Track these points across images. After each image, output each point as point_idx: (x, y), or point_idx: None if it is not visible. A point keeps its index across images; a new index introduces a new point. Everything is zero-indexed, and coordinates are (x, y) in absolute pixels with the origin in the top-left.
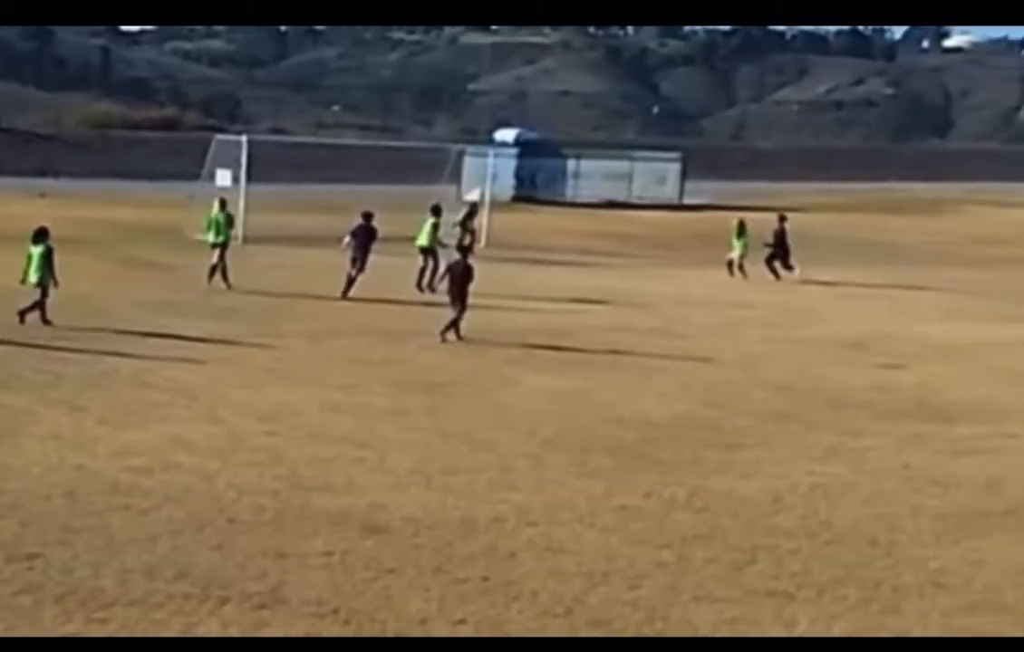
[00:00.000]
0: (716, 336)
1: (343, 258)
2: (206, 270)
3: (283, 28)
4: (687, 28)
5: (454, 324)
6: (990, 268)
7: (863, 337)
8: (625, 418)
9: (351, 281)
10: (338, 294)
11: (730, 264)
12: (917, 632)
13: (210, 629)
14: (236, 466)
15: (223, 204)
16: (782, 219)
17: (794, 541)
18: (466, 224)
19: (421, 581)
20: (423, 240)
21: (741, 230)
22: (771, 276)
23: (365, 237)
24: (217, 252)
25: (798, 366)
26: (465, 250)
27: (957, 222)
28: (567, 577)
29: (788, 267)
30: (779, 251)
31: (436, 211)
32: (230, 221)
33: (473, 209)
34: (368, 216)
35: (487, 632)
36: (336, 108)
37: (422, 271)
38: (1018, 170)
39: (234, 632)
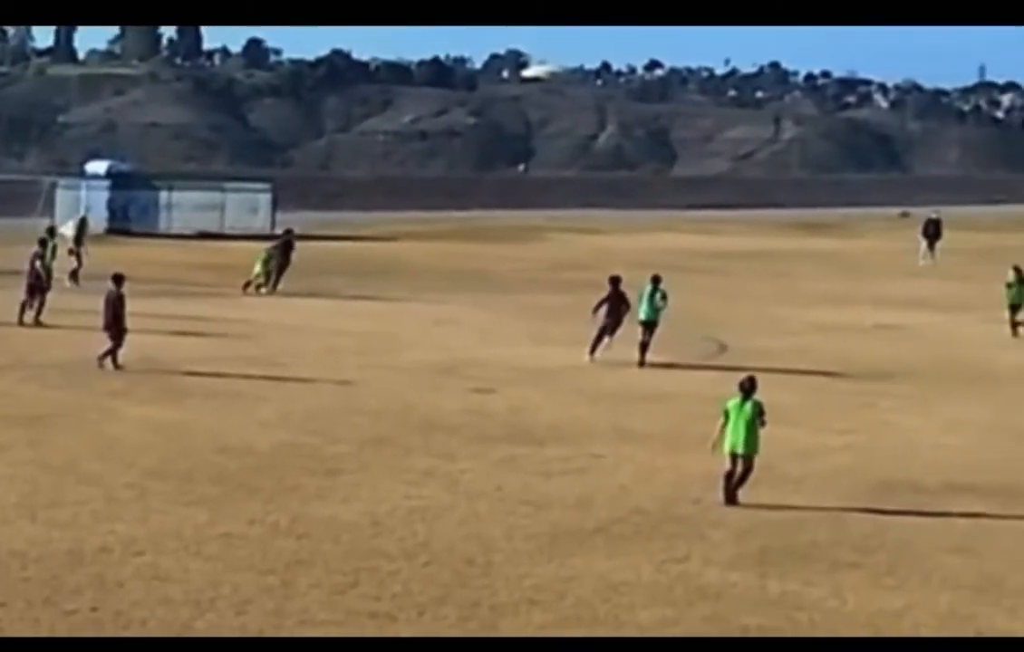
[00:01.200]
0: (314, 364)
1: None
2: None
3: None
4: (273, 58)
5: (112, 352)
6: (572, 293)
7: (455, 362)
8: (227, 447)
9: (24, 307)
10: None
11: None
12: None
13: None
14: None
15: None
16: (288, 232)
17: (394, 563)
18: (79, 244)
19: (31, 613)
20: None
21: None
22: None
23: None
24: None
25: (393, 391)
26: (120, 278)
27: (540, 249)
28: (175, 605)
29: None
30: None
31: (52, 233)
32: None
33: (82, 227)
34: (43, 242)
35: None
36: None
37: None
38: (596, 197)
39: None
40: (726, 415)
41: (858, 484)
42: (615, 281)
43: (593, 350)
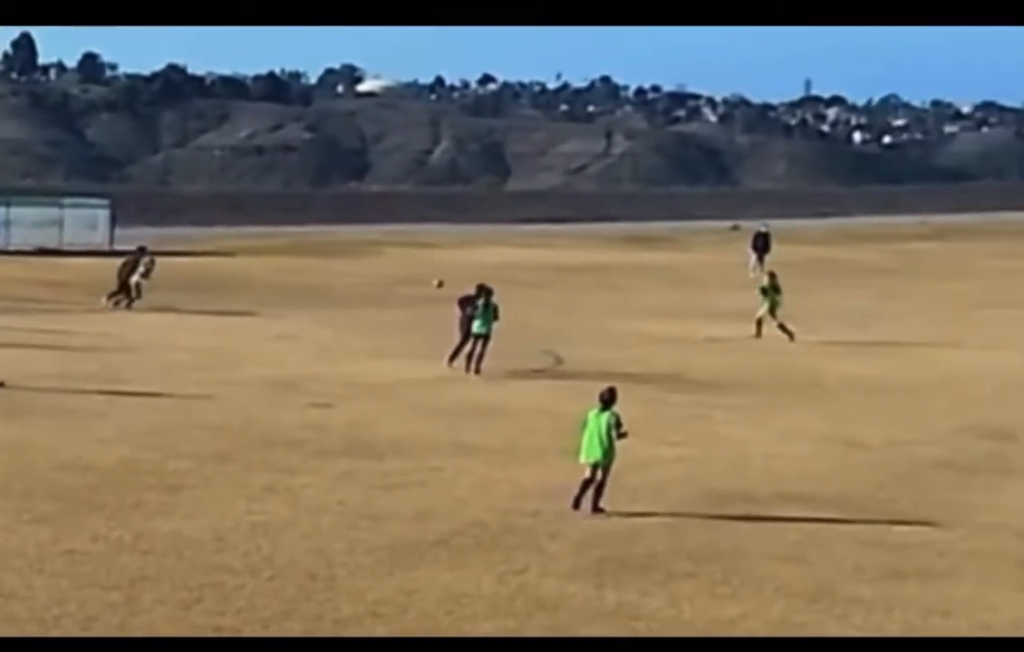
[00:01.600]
0: (154, 379)
1: None
2: None
3: None
4: (108, 73)
5: None
6: (410, 307)
7: (293, 378)
8: (68, 464)
9: None
10: None
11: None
12: None
13: None
14: None
15: None
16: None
17: (239, 578)
18: None
19: None
20: None
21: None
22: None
23: None
24: None
25: (233, 407)
26: None
27: (377, 264)
28: (20, 623)
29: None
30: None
31: None
32: None
33: None
34: None
35: None
36: None
37: None
38: (431, 211)
39: None
40: (585, 425)
41: (693, 495)
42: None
43: (462, 361)
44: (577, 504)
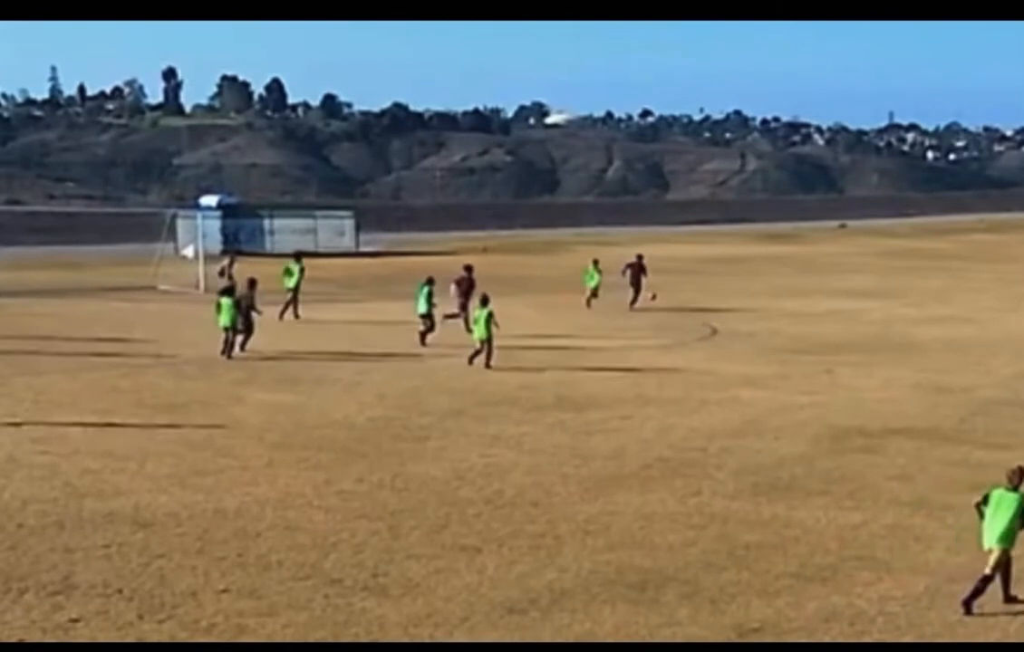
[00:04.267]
0: (398, 355)
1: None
2: None
3: (6, 114)
4: (346, 110)
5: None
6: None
7: (510, 349)
8: (335, 422)
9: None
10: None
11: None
12: (574, 568)
13: (15, 616)
14: (19, 481)
15: None
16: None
17: (476, 507)
18: (232, 267)
19: (187, 562)
20: (290, 283)
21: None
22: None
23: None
24: None
25: (464, 373)
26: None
27: (568, 258)
28: (304, 549)
29: None
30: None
31: (298, 257)
32: None
33: (232, 259)
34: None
35: (247, 598)
36: None
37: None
38: (608, 217)
39: (35, 616)
40: (985, 502)
41: (821, 431)
42: (639, 257)
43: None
44: (968, 607)
